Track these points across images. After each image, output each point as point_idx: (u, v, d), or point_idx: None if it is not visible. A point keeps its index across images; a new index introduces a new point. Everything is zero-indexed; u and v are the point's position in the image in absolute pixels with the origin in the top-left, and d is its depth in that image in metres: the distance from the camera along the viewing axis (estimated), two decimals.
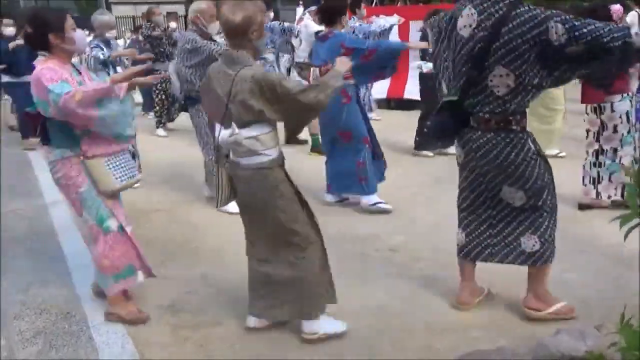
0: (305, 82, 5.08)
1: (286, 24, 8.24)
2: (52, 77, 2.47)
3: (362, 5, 8.44)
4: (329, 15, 4.26)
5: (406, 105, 8.69)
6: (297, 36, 6.36)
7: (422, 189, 4.75)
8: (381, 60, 4.13)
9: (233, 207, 4.35)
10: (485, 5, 2.39)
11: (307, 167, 5.33)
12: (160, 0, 22.09)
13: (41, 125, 2.63)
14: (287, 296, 2.55)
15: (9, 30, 7.23)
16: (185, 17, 21.62)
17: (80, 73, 2.74)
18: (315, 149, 6.24)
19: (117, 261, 2.72)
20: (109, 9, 22.90)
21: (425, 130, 2.97)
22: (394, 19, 7.17)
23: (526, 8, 2.33)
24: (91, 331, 2.74)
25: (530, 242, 2.61)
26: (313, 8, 6.12)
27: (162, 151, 6.74)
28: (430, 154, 6.00)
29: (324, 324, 2.57)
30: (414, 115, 6.31)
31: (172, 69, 4.53)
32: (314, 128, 6.02)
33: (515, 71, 2.36)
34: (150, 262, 3.48)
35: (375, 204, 4.29)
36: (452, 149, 5.62)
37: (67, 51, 2.66)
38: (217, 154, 2.53)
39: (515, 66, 2.35)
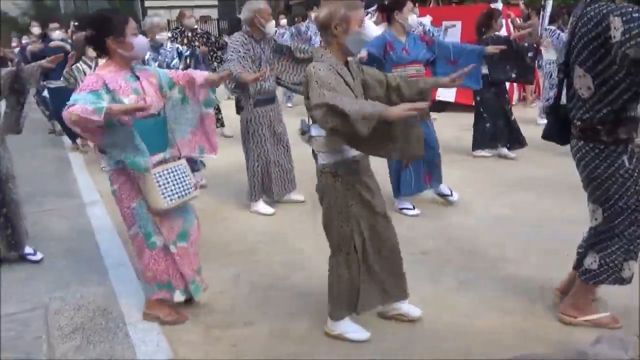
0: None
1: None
2: (86, 84, 2.44)
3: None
4: (384, 13, 4.21)
5: (437, 107, 8.62)
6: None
7: (458, 192, 4.66)
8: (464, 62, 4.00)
9: (265, 208, 4.45)
10: (580, 6, 2.33)
11: None
12: (193, 4, 22.43)
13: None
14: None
15: (57, 34, 7.14)
16: (219, 20, 21.84)
17: (138, 78, 2.61)
18: None
19: (159, 275, 2.76)
20: (144, 12, 23.43)
21: (483, 130, 2.92)
22: (427, 20, 7.13)
23: (597, 4, 2.18)
24: (127, 328, 2.80)
25: (590, 259, 2.52)
26: (371, 10, 5.94)
27: None
28: (488, 154, 5.80)
29: (345, 327, 2.59)
30: (450, 117, 6.23)
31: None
32: None
33: (590, 72, 2.25)
34: None
35: (401, 208, 4.27)
36: (509, 152, 5.67)
37: (125, 57, 2.57)
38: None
39: (589, 66, 2.24)
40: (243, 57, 4.09)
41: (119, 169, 2.57)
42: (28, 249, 3.67)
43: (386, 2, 4.20)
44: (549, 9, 7.59)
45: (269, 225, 4.23)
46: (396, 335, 2.64)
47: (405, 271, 2.65)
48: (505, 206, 4.37)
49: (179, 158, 2.74)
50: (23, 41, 8.54)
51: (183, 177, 2.64)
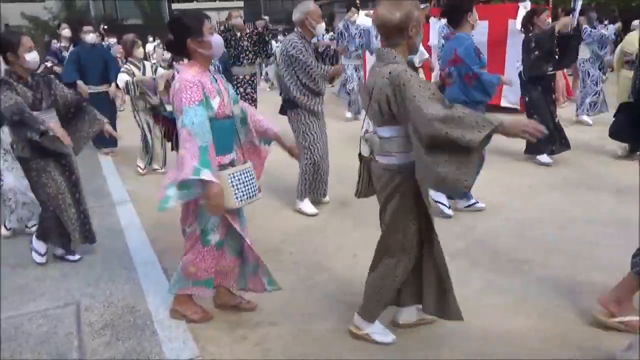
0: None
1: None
2: (192, 96, 2.41)
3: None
4: (452, 15, 4.06)
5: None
6: (376, 37, 6.19)
7: (484, 195, 4.62)
8: (477, 91, 3.92)
9: (310, 208, 4.48)
10: None
11: None
12: (219, 6, 22.70)
13: (174, 133, 2.62)
14: (364, 293, 2.61)
15: (90, 37, 6.94)
16: (244, 22, 21.98)
17: (216, 80, 2.63)
18: None
19: (201, 272, 2.75)
20: (171, 14, 23.80)
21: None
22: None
23: None
24: (155, 326, 2.86)
25: None
26: (421, 7, 5.99)
27: None
28: (548, 160, 5.56)
29: (373, 329, 2.59)
30: None
31: (271, 72, 4.62)
32: None
33: None
34: None
35: (437, 201, 4.19)
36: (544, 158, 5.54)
37: (205, 56, 2.57)
38: (362, 146, 2.54)
39: None
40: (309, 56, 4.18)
41: None
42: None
43: (453, 4, 4.05)
44: (578, 7, 7.45)
45: (293, 225, 4.25)
46: (421, 337, 2.63)
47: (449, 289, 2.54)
48: (532, 208, 4.31)
49: (245, 162, 2.74)
50: (53, 45, 8.49)
51: (251, 179, 2.66)
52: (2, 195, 4.16)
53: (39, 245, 3.68)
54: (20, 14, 25.62)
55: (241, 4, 24.32)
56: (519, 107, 8.15)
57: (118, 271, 3.54)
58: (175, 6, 23.11)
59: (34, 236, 3.71)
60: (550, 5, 9.88)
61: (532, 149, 5.58)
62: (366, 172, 2.54)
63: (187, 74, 2.48)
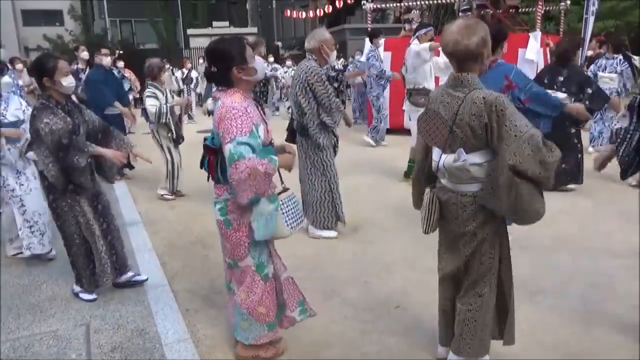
0: (421, 109, 5.02)
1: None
2: (242, 125, 2.29)
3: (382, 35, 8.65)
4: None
5: None
6: (404, 63, 6.09)
7: None
8: (539, 106, 3.76)
9: (330, 232, 4.45)
10: None
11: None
12: (233, 31, 23.10)
13: (215, 162, 2.48)
14: (461, 332, 2.45)
15: (107, 61, 7.10)
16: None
17: (258, 107, 2.53)
18: (408, 175, 6.04)
19: (272, 311, 2.61)
20: (186, 40, 24.27)
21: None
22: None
23: None
24: (164, 349, 2.84)
25: None
26: (422, 31, 5.98)
27: None
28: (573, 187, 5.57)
29: None
30: None
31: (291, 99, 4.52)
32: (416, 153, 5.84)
33: None
34: (221, 284, 3.61)
35: None
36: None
37: (250, 82, 2.49)
38: (420, 176, 2.51)
39: None
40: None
41: None
42: (131, 273, 3.67)
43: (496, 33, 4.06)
44: (588, 37, 7.52)
45: (303, 250, 4.24)
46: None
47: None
48: (547, 236, 4.27)
49: (286, 188, 2.60)
50: (73, 66, 8.72)
51: (297, 205, 2.59)
52: (27, 220, 4.02)
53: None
54: (43, 35, 26.27)
55: (255, 29, 24.75)
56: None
57: (128, 293, 3.54)
58: (190, 31, 23.53)
59: (74, 283, 3.52)
60: (560, 35, 9.98)
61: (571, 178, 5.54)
62: (436, 204, 2.40)
63: (234, 101, 2.35)
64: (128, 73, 11.29)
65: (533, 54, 8.00)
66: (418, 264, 3.86)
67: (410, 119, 5.94)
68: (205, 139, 2.54)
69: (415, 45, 5.94)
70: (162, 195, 5.99)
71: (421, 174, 2.54)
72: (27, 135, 3.79)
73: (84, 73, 7.63)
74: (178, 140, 5.90)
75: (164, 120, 5.68)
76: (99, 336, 3.00)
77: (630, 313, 2.59)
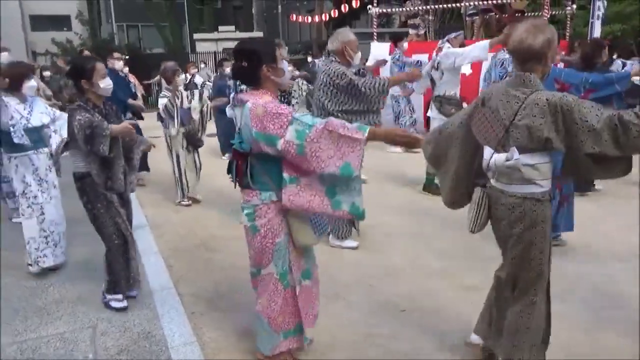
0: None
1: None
2: (280, 125, 2.23)
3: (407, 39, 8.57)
4: None
5: None
6: (437, 68, 5.66)
7: None
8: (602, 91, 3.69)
9: (351, 242, 4.34)
10: None
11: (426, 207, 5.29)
12: (239, 36, 23.20)
13: (244, 166, 2.42)
14: (514, 339, 2.40)
15: (119, 65, 7.07)
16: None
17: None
18: (427, 187, 5.82)
19: (289, 318, 2.57)
20: (193, 45, 24.37)
21: None
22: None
23: None
24: (170, 352, 2.85)
25: None
26: (452, 35, 5.77)
27: None
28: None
29: None
30: None
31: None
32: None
33: None
34: (226, 287, 3.65)
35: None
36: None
37: (277, 83, 2.45)
38: (478, 178, 2.44)
39: None
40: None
41: (271, 202, 2.40)
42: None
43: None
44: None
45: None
46: None
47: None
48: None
49: None
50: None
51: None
52: (44, 229, 3.91)
53: (112, 295, 3.39)
54: (51, 40, 26.46)
55: (261, 34, 24.82)
56: None
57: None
58: (196, 36, 23.63)
59: (104, 292, 3.40)
60: (567, 40, 9.96)
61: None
62: (485, 203, 2.39)
63: (267, 100, 2.32)
64: (132, 78, 11.37)
65: None
66: (424, 269, 3.86)
67: (432, 126, 5.64)
68: (232, 144, 2.49)
69: (447, 48, 5.65)
70: (178, 201, 5.90)
71: (462, 173, 2.49)
72: (58, 135, 3.79)
73: None
74: (195, 144, 5.84)
75: (173, 114, 5.60)
76: (106, 339, 3.02)
77: (634, 315, 2.58)
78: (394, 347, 2.84)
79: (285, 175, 2.31)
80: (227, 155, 8.51)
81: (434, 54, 5.81)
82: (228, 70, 8.79)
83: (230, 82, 8.17)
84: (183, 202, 5.90)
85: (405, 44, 8.53)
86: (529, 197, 2.25)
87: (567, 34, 11.67)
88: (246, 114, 2.31)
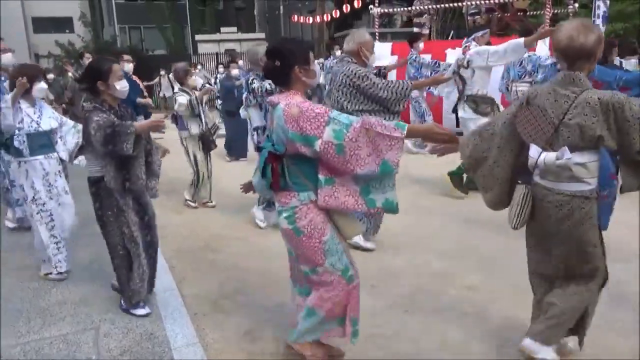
0: (484, 119, 4.74)
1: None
2: (317, 126, 2.20)
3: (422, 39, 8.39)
4: None
5: None
6: (467, 66, 5.50)
7: (505, 226, 4.56)
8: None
9: (371, 243, 4.28)
10: None
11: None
12: (241, 37, 23.22)
13: (281, 168, 2.36)
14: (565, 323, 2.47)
15: (129, 67, 7.08)
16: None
17: None
18: (470, 184, 5.58)
19: (342, 309, 2.51)
20: (195, 46, 24.41)
21: None
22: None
23: None
24: (173, 353, 2.86)
25: None
26: (479, 34, 5.66)
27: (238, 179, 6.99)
28: None
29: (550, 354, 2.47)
30: None
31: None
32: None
33: None
34: (229, 288, 3.65)
35: None
36: None
37: (307, 85, 2.42)
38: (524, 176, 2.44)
39: None
40: None
41: (310, 202, 2.35)
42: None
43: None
44: None
45: None
46: None
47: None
48: None
49: None
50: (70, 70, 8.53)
51: None
52: (55, 236, 3.85)
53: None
54: (55, 42, 26.52)
55: (262, 35, 24.84)
56: None
57: None
58: (198, 37, 23.68)
59: (121, 299, 3.37)
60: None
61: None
62: (529, 201, 2.41)
63: (299, 101, 2.29)
64: (135, 79, 11.36)
65: None
66: (426, 269, 3.86)
67: (464, 127, 5.51)
68: (262, 147, 2.45)
69: (475, 46, 5.55)
70: (186, 200, 5.90)
71: (508, 172, 2.47)
72: (68, 139, 3.78)
73: None
74: (209, 146, 5.75)
75: (197, 112, 5.55)
76: (109, 340, 3.03)
77: (634, 315, 2.58)
78: (396, 347, 2.84)
79: (321, 176, 2.29)
80: (231, 157, 8.51)
81: (461, 52, 5.66)
82: (235, 71, 8.81)
83: (238, 83, 8.19)
84: (191, 204, 5.86)
85: (421, 44, 8.33)
86: (577, 194, 2.27)
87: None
88: (279, 115, 2.28)
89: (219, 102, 9.90)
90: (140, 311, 3.30)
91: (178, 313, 3.30)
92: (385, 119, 3.93)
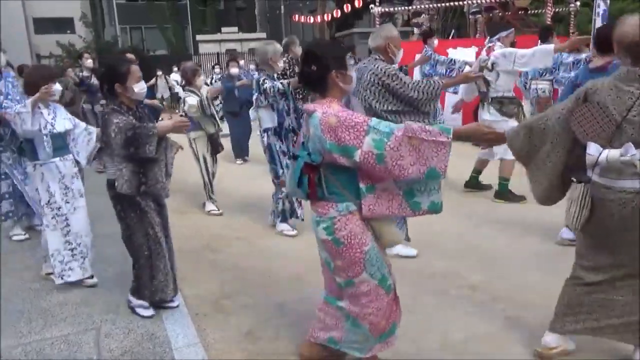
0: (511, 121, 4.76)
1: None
2: (356, 136, 2.12)
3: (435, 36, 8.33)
4: (606, 43, 3.58)
5: None
6: (491, 69, 5.31)
7: (507, 226, 4.57)
8: None
9: (399, 249, 4.07)
10: None
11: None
12: (242, 37, 23.23)
13: (317, 179, 2.29)
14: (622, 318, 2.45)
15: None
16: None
17: None
18: (501, 195, 5.47)
19: (389, 320, 2.45)
20: (195, 46, 24.44)
21: None
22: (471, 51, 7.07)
23: None
24: (174, 353, 2.85)
25: None
26: (504, 34, 5.45)
27: (239, 180, 7.00)
28: None
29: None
30: None
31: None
32: (506, 171, 5.38)
33: None
34: (230, 288, 3.65)
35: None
36: None
37: (344, 91, 2.32)
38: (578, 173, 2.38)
39: None
40: None
41: (349, 213, 2.27)
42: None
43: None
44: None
45: (314, 253, 4.24)
46: None
47: None
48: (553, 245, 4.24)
49: None
50: (71, 74, 8.41)
51: None
52: (70, 242, 3.75)
53: (139, 301, 3.32)
54: (56, 42, 26.57)
55: (263, 35, 24.85)
56: None
57: None
58: (199, 37, 23.71)
59: (129, 295, 3.36)
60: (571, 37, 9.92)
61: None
62: (588, 199, 2.37)
63: (337, 109, 2.21)
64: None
65: None
66: (427, 269, 3.85)
67: None
68: (296, 156, 2.38)
69: (500, 47, 5.36)
70: (209, 211, 5.62)
71: (560, 169, 2.41)
72: (79, 141, 3.73)
73: (90, 81, 7.72)
74: (217, 149, 5.62)
75: (208, 113, 5.40)
76: (110, 340, 3.02)
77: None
78: (398, 347, 2.83)
79: (362, 185, 2.21)
80: (239, 159, 8.43)
81: (484, 53, 5.47)
82: (234, 70, 8.70)
83: (238, 83, 8.16)
84: (213, 212, 5.60)
85: (436, 41, 8.14)
86: (618, 190, 2.23)
87: (571, 31, 11.64)
88: (315, 124, 2.19)
89: (218, 102, 9.84)
90: (147, 312, 3.29)
91: (179, 313, 3.29)
92: (414, 119, 3.77)
